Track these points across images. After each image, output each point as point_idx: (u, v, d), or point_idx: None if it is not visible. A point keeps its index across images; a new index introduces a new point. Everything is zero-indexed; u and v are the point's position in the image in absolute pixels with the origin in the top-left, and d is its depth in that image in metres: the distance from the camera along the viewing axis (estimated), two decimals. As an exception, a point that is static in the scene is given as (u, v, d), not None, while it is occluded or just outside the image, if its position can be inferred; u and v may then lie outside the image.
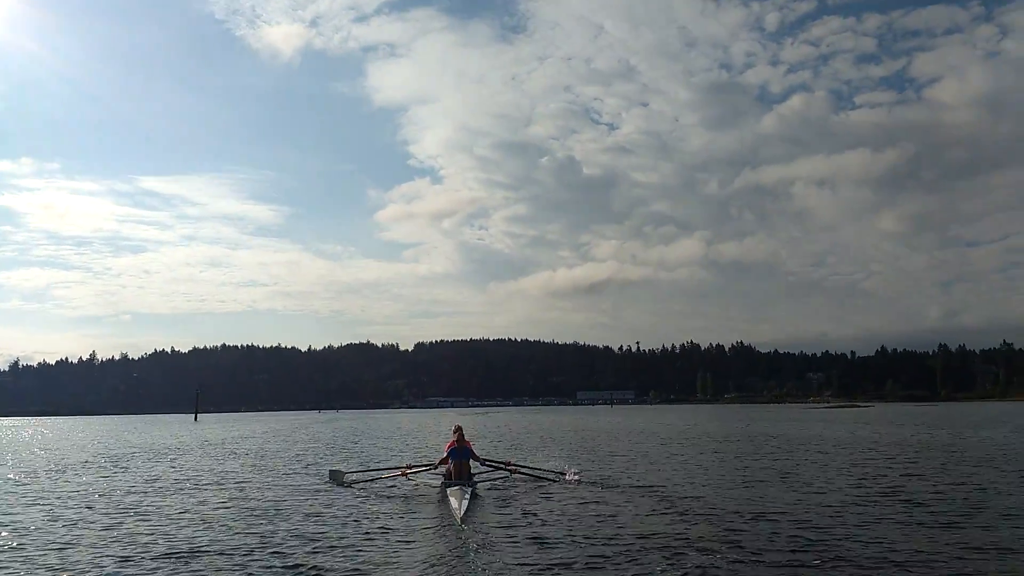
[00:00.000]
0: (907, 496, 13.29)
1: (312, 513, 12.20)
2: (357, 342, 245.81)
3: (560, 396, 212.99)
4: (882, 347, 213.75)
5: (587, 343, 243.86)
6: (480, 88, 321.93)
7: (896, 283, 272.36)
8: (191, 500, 13.95)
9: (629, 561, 8.56)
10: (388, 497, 14.00)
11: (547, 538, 9.90)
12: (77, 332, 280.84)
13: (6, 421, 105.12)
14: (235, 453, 27.00)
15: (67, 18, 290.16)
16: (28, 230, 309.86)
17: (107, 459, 24.93)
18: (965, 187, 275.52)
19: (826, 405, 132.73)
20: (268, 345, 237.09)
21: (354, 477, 16.47)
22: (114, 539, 10.18)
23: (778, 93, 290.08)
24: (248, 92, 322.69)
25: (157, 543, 9.81)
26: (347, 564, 8.61)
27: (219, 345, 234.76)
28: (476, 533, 10.30)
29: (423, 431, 46.81)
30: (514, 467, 15.99)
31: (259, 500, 13.77)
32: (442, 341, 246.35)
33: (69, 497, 14.65)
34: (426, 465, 16.29)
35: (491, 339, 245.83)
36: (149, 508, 12.97)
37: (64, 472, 20.33)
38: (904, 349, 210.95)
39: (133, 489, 15.91)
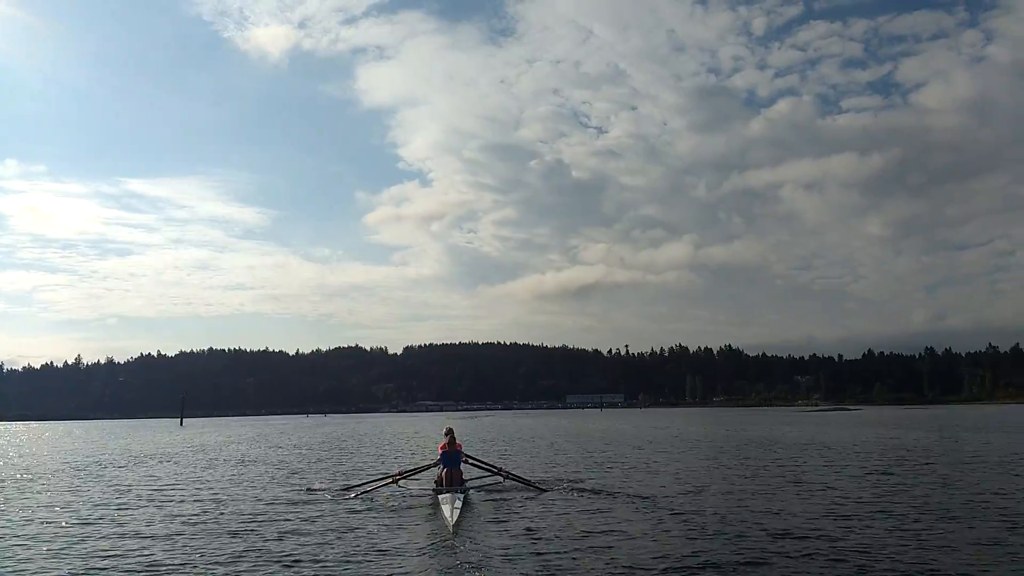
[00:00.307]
0: (931, 503, 12.90)
1: (291, 527, 11.61)
2: (345, 346, 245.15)
3: (549, 400, 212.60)
4: (869, 350, 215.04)
5: (576, 346, 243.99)
6: (469, 91, 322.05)
7: (883, 286, 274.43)
8: (159, 514, 13.16)
9: (627, 572, 8.28)
10: (376, 506, 13.64)
11: (541, 548, 9.64)
12: (62, 335, 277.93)
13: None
14: (215, 460, 26.34)
15: (53, 20, 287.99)
16: (13, 233, 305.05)
17: (78, 467, 24.09)
18: (951, 191, 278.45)
19: (815, 408, 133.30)
20: (256, 349, 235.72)
21: (324, 494, 15.56)
22: (65, 561, 9.34)
23: (765, 97, 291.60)
24: (236, 94, 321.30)
25: (113, 565, 9.07)
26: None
27: (206, 349, 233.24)
28: (468, 543, 10.07)
29: (413, 437, 46.41)
30: (505, 472, 15.65)
31: (233, 514, 12.99)
32: (431, 345, 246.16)
33: (26, 511, 13.78)
34: (420, 468, 15.91)
35: (480, 342, 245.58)
36: (111, 524, 12.13)
37: (30, 481, 19.50)
38: (891, 352, 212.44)
39: (98, 502, 15.03)
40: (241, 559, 9.22)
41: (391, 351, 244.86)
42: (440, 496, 12.77)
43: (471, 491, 14.38)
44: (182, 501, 14.88)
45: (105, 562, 9.24)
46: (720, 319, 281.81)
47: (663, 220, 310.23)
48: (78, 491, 17.03)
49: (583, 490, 15.04)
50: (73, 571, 8.80)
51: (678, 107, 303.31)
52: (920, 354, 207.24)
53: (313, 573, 8.56)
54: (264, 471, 21.43)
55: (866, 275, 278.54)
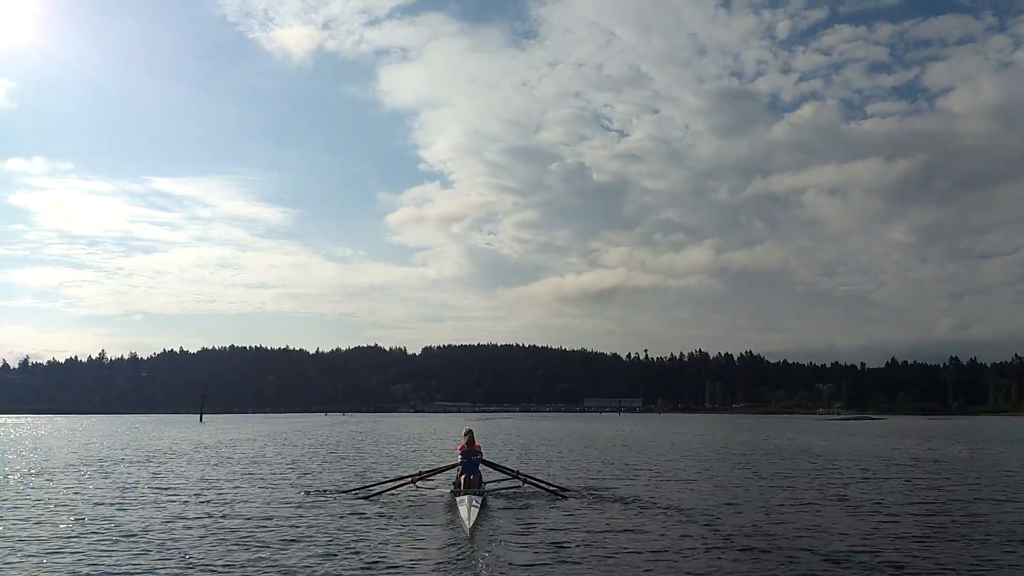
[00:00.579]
0: (990, 522, 12.02)
1: (303, 527, 11.42)
2: (365, 345, 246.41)
3: (567, 403, 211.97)
4: (892, 359, 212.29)
5: (595, 350, 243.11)
6: (491, 93, 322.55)
7: (906, 294, 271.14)
8: (162, 514, 12.57)
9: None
10: (393, 507, 13.43)
11: (559, 556, 9.39)
12: (87, 331, 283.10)
13: (12, 419, 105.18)
14: (229, 458, 26.03)
15: (82, 18, 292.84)
16: (40, 229, 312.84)
17: (88, 463, 23.62)
18: (976, 199, 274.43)
19: (839, 417, 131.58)
20: (276, 347, 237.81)
21: (342, 494, 15.26)
22: (47, 566, 8.73)
23: (789, 101, 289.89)
24: (260, 94, 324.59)
25: (99, 571, 8.51)
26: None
27: (228, 346, 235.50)
28: (484, 547, 9.85)
29: (430, 437, 46.30)
30: (524, 476, 15.42)
31: (239, 515, 12.44)
32: (450, 346, 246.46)
33: (22, 509, 13.14)
34: (438, 469, 15.70)
35: (499, 344, 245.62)
36: (106, 525, 11.48)
37: (35, 477, 19.11)
38: (915, 361, 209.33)
39: (99, 500, 14.38)
40: (248, 563, 8.96)
41: (410, 351, 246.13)
42: (457, 499, 12.56)
43: (489, 494, 14.16)
44: (186, 502, 14.26)
45: (89, 567, 8.64)
46: (741, 325, 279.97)
47: (684, 224, 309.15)
48: (81, 489, 16.37)
49: (606, 498, 14.60)
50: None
51: (700, 110, 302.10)
52: (944, 364, 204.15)
53: (324, 574, 8.40)
54: (277, 471, 21.15)
55: (889, 282, 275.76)
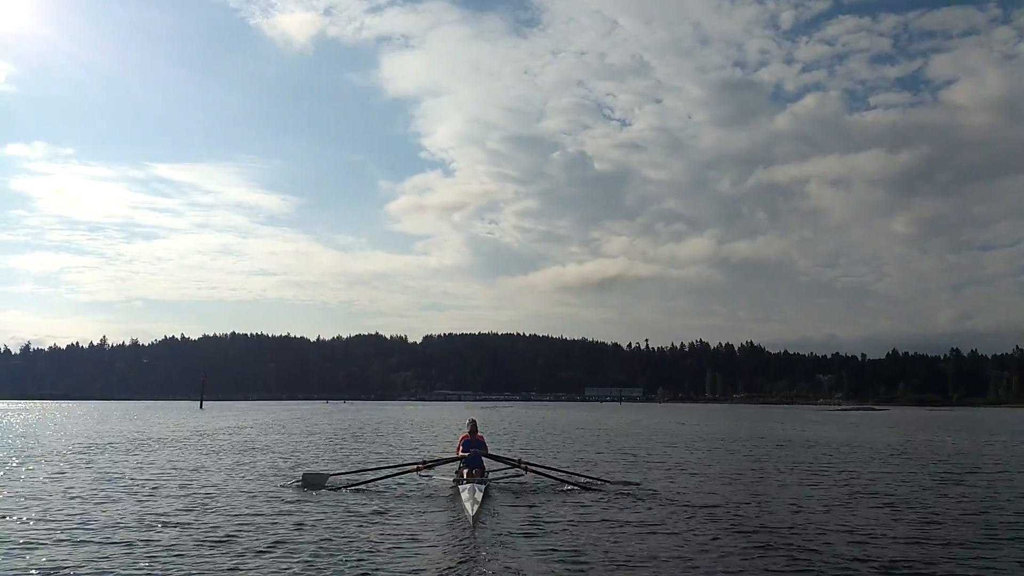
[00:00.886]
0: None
1: (301, 517, 11.18)
2: (366, 333, 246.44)
3: (568, 392, 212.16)
4: (893, 350, 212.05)
5: (596, 339, 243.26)
6: (492, 81, 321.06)
7: (908, 285, 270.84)
8: (137, 509, 11.31)
9: (666, 571, 7.79)
10: (395, 496, 13.18)
11: (563, 544, 9.17)
12: (88, 317, 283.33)
13: (12, 404, 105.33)
14: (223, 447, 25.04)
15: (83, 3, 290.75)
16: (41, 214, 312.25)
17: (75, 451, 22.65)
18: (979, 190, 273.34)
19: (839, 408, 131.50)
20: (277, 334, 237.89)
21: (343, 480, 14.49)
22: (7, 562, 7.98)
23: (792, 92, 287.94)
24: (261, 80, 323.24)
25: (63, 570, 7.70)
26: (339, 572, 7.85)
27: (229, 333, 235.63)
28: (487, 535, 9.62)
29: (431, 426, 46.21)
30: (526, 463, 15.11)
31: (225, 509, 11.42)
32: (450, 334, 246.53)
33: None
34: (442, 460, 15.39)
35: (499, 333, 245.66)
36: (77, 518, 10.50)
37: (16, 466, 17.83)
38: (915, 352, 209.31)
39: (77, 491, 13.23)
40: (237, 556, 8.56)
41: (411, 340, 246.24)
42: (460, 487, 12.32)
43: (491, 483, 13.93)
44: (170, 489, 13.52)
45: (53, 565, 7.86)
46: (741, 315, 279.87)
47: (686, 214, 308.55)
48: (60, 478, 15.29)
49: (612, 488, 14.11)
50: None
51: (703, 100, 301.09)
52: (945, 355, 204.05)
53: (324, 563, 8.14)
54: (270, 459, 20.29)
55: (891, 274, 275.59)
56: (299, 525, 10.27)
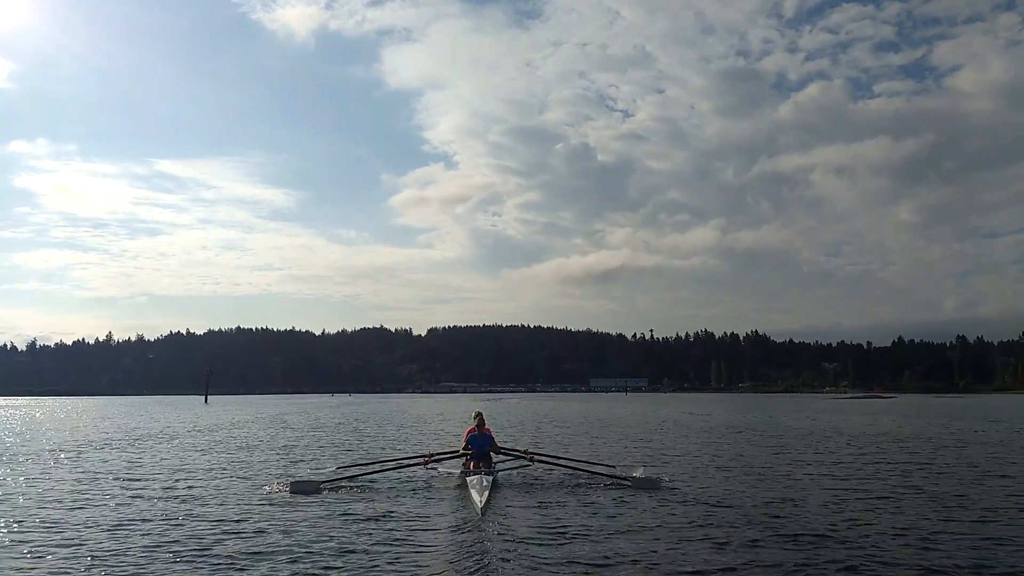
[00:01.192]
0: None
1: (311, 508, 10.98)
2: (370, 327, 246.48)
3: (573, 383, 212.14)
4: (899, 338, 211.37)
5: (600, 330, 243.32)
6: (494, 74, 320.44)
7: (912, 273, 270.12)
8: (111, 515, 10.30)
9: (676, 561, 7.50)
10: (404, 488, 12.94)
11: (572, 534, 9.00)
12: (93, 313, 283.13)
13: (18, 401, 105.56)
14: (220, 443, 24.11)
15: (84, 0, 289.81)
16: (45, 211, 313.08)
17: (71, 447, 21.99)
18: (984, 178, 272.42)
19: (845, 396, 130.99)
20: (282, 328, 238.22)
21: (348, 473, 14.12)
22: None
23: (795, 81, 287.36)
24: (263, 75, 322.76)
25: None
26: (349, 563, 7.62)
27: (234, 328, 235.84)
28: (497, 526, 9.43)
29: (436, 419, 46.06)
30: (532, 453, 14.80)
31: (210, 513, 10.51)
32: (455, 327, 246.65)
33: None
34: (449, 454, 15.10)
35: (504, 325, 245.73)
36: (52, 520, 9.89)
37: (5, 463, 17.38)
38: (921, 340, 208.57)
39: (56, 492, 12.47)
40: (231, 556, 8.25)
41: (415, 332, 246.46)
42: (468, 479, 12.07)
43: (500, 474, 13.67)
44: (154, 490, 12.77)
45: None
46: (746, 305, 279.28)
47: (689, 205, 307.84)
48: (42, 478, 14.57)
49: (623, 477, 13.62)
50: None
51: (706, 90, 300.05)
52: (951, 342, 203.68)
53: (333, 554, 7.96)
54: (266, 457, 19.32)
55: (896, 262, 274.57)
56: (304, 518, 10.03)
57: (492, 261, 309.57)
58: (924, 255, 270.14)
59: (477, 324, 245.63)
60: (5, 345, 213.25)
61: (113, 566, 7.56)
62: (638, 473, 13.97)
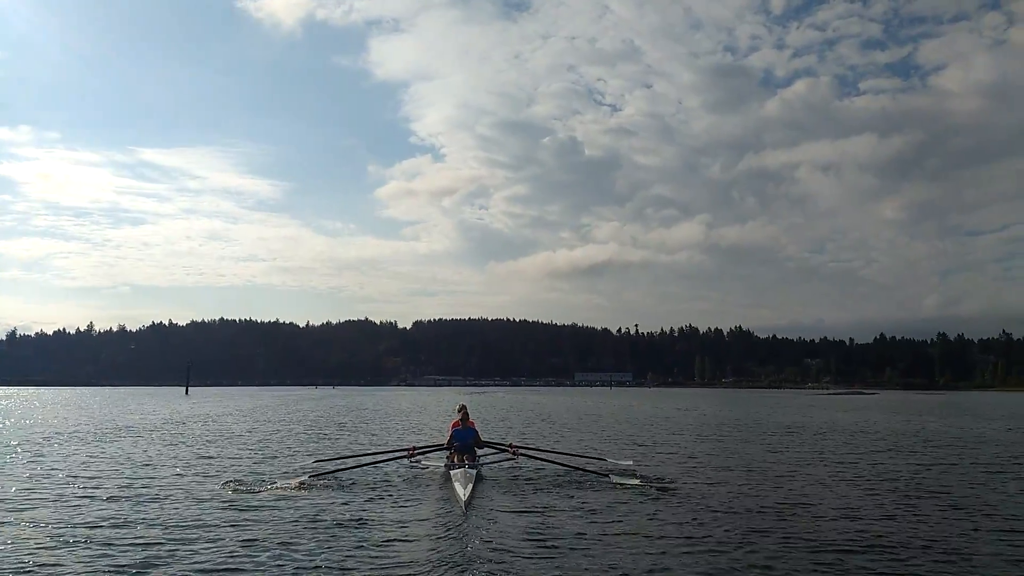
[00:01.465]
0: None
1: (292, 502, 10.85)
2: (355, 319, 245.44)
3: (558, 377, 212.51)
4: (881, 334, 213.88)
5: (586, 325, 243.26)
6: (483, 66, 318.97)
7: (895, 271, 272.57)
8: (57, 516, 9.51)
9: (657, 552, 7.40)
10: (388, 482, 12.78)
11: (557, 528, 8.93)
12: (75, 303, 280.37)
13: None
14: (193, 436, 23.28)
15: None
16: (27, 200, 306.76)
17: (34, 440, 20.93)
18: (968, 176, 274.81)
19: (828, 392, 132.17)
20: (266, 320, 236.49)
21: (332, 466, 14.02)
22: None
23: (782, 77, 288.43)
24: (249, 64, 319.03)
25: None
26: (332, 557, 7.47)
27: (217, 319, 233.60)
28: (481, 520, 9.38)
29: (420, 412, 45.86)
30: (516, 447, 14.68)
31: (165, 513, 9.73)
32: (440, 320, 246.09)
33: None
34: (433, 447, 14.92)
35: (489, 319, 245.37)
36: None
37: None
38: (903, 337, 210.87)
39: (5, 490, 11.63)
40: (220, 543, 8.22)
41: (401, 325, 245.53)
42: (452, 472, 11.93)
43: (484, 467, 13.54)
44: (118, 486, 12.09)
45: None
46: (731, 300, 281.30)
47: (676, 200, 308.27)
48: None
49: (607, 470, 13.63)
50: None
51: (694, 86, 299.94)
52: (932, 339, 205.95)
53: (316, 548, 7.82)
54: (238, 451, 18.61)
55: (879, 259, 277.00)
56: (281, 513, 9.84)
57: (479, 254, 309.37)
58: (907, 252, 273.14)
59: (463, 317, 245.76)
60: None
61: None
62: (620, 466, 14.00)
